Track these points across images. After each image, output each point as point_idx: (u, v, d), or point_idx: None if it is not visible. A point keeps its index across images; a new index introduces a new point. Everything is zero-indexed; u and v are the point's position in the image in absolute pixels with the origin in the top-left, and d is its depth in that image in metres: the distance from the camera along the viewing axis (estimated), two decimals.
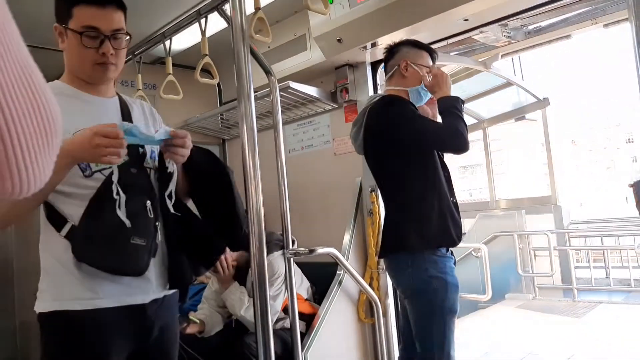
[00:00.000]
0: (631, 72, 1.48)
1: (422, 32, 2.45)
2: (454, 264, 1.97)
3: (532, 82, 6.94)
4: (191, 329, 2.36)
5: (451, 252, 1.99)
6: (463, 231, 2.19)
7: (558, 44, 4.58)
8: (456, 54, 4.59)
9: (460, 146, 1.87)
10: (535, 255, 6.72)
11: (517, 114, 7.91)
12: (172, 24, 2.43)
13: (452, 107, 1.92)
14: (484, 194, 8.43)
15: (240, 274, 2.36)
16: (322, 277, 2.58)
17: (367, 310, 2.62)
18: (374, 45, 2.64)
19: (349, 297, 2.58)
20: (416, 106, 2.05)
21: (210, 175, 1.41)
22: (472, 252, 6.13)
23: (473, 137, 7.84)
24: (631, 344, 3.94)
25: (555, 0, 2.28)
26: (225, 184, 1.41)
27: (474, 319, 5.29)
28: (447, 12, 2.21)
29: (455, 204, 1.98)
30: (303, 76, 2.88)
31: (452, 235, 1.93)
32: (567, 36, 4.30)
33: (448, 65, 4.40)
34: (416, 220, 1.92)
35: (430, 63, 2.08)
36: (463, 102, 1.97)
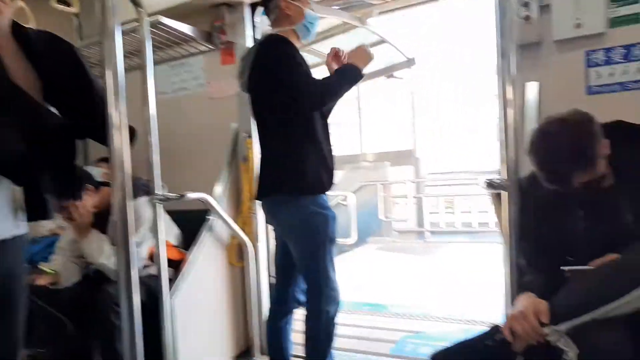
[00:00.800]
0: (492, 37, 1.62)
1: None
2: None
3: (403, 41, 7.27)
4: (43, 280, 2.16)
5: None
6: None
7: (428, 6, 4.86)
8: (335, 8, 4.62)
9: (316, 105, 1.91)
10: (394, 203, 7.32)
11: (388, 71, 8.29)
12: None
13: (349, 72, 1.97)
14: (353, 147, 8.86)
15: (101, 221, 2.19)
16: (194, 223, 2.51)
17: (237, 254, 2.63)
18: None
19: (219, 242, 2.57)
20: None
21: (56, 59, 1.25)
22: (340, 201, 6.46)
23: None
24: (472, 274, 4.55)
25: None
26: (75, 66, 1.26)
27: (341, 261, 5.65)
28: None
29: (330, 152, 2.03)
30: (176, 13, 2.64)
31: (323, 181, 1.99)
32: None
33: (327, 18, 4.42)
34: (293, 162, 1.95)
35: None
36: (362, 77, 2.01)
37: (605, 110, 1.47)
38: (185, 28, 2.65)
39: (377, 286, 4.44)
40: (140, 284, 1.42)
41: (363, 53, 2.04)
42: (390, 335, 2.97)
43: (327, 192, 2.02)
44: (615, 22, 1.80)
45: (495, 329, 1.34)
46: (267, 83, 1.93)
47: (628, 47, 1.79)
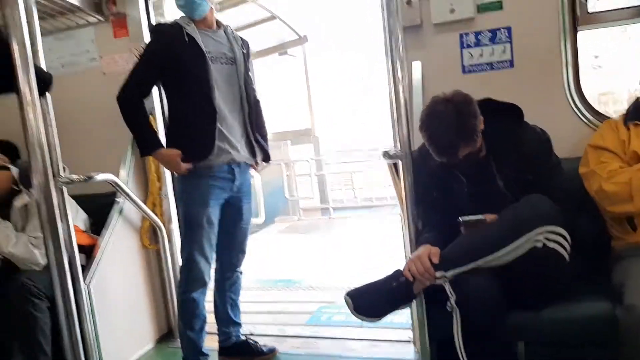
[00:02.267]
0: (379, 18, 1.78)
1: None
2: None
3: (294, 18, 7.35)
4: None
5: (234, 169, 2.15)
6: None
7: None
8: None
9: (119, 102, 2.14)
10: (298, 182, 7.52)
11: (280, 49, 8.34)
12: None
13: (141, 143, 2.16)
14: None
15: (0, 207, 2.08)
16: (100, 207, 2.45)
17: (151, 237, 2.63)
18: None
19: (131, 225, 2.54)
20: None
21: None
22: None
23: None
24: (374, 246, 4.88)
25: None
26: None
27: (251, 240, 5.72)
28: None
29: (209, 124, 2.07)
30: None
31: (189, 151, 2.06)
32: None
33: None
34: (167, 134, 2.17)
35: None
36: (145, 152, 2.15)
37: (477, 87, 1.72)
38: None
39: (289, 263, 4.60)
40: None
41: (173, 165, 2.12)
42: (306, 307, 3.11)
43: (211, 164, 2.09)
44: (482, 8, 2.08)
45: (398, 272, 1.57)
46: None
47: (494, 31, 2.08)
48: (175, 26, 2.06)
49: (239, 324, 2.41)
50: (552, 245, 1.43)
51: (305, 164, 7.39)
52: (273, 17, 6.37)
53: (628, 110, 1.74)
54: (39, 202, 1.30)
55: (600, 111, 2.05)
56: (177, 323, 2.29)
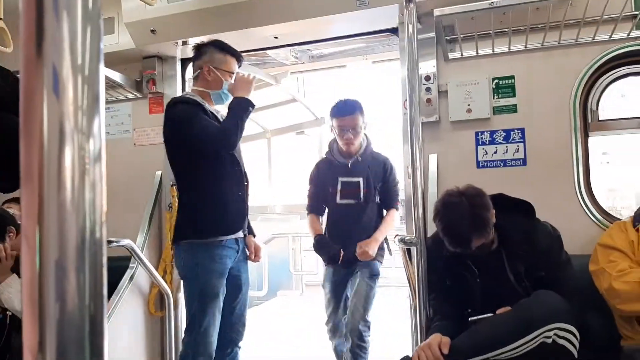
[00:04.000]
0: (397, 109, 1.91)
1: (234, 39, 2.62)
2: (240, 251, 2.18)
3: (313, 101, 7.71)
4: None
5: (238, 240, 2.17)
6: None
7: (337, 70, 5.30)
8: (249, 64, 4.87)
9: (224, 146, 2.06)
10: (302, 257, 7.48)
11: (298, 128, 8.66)
12: None
13: (238, 106, 2.09)
14: (263, 199, 9.00)
15: (17, 265, 2.11)
16: (112, 270, 2.47)
17: (157, 304, 2.62)
18: (185, 43, 2.69)
19: (139, 291, 2.55)
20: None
21: None
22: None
23: (258, 145, 8.30)
24: (377, 327, 4.74)
25: (347, 36, 2.71)
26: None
27: (252, 313, 5.60)
28: (262, 27, 2.43)
29: (242, 198, 2.16)
30: (106, 59, 2.68)
31: (230, 225, 2.10)
32: (343, 66, 5.01)
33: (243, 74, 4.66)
34: (189, 211, 2.10)
35: (235, 68, 2.21)
36: (253, 106, 2.15)
37: (491, 182, 1.80)
38: (116, 76, 2.73)
39: (290, 337, 4.49)
40: None
41: (241, 82, 2.15)
42: None
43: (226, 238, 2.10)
44: (497, 110, 2.22)
45: (406, 358, 1.56)
46: (170, 139, 2.11)
47: (508, 131, 2.20)
48: (194, 102, 2.11)
49: None
50: (561, 342, 1.44)
51: (312, 239, 7.39)
52: (294, 100, 6.67)
53: (636, 214, 1.79)
54: None
55: (607, 209, 2.13)
56: None
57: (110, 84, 2.77)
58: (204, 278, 2.05)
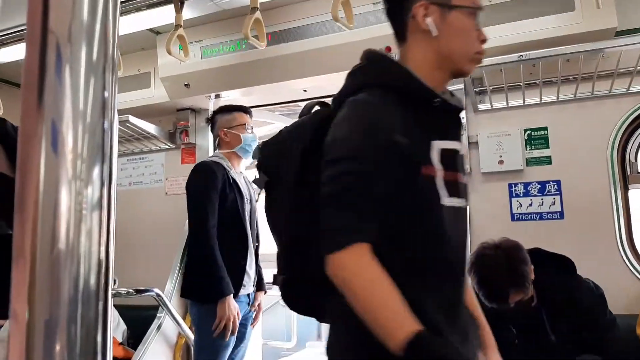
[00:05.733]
0: None
1: (264, 93, 2.72)
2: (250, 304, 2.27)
3: None
4: None
5: (249, 295, 2.26)
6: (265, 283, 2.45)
7: None
8: (280, 115, 4.99)
9: (198, 238, 2.16)
10: None
11: None
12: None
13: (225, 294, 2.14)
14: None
15: None
16: (140, 319, 2.47)
17: (184, 355, 2.57)
18: (217, 96, 2.79)
19: (166, 341, 2.51)
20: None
21: None
22: (280, 301, 6.34)
23: None
24: None
25: None
26: None
27: None
28: (292, 81, 2.50)
29: (243, 266, 2.21)
30: (141, 111, 2.84)
31: (214, 290, 2.11)
32: None
33: (274, 123, 4.78)
34: (192, 272, 2.22)
35: (246, 119, 2.34)
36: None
37: (526, 236, 1.73)
38: (150, 127, 2.83)
39: None
40: None
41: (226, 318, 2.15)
42: None
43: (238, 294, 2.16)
44: (531, 161, 2.17)
45: None
46: (187, 200, 2.25)
47: (543, 183, 2.13)
48: (220, 167, 2.24)
49: None
50: None
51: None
52: None
53: None
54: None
55: None
56: None
57: (145, 135, 2.88)
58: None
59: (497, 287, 1.53)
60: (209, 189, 2.17)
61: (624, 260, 1.98)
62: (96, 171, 0.29)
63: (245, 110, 2.37)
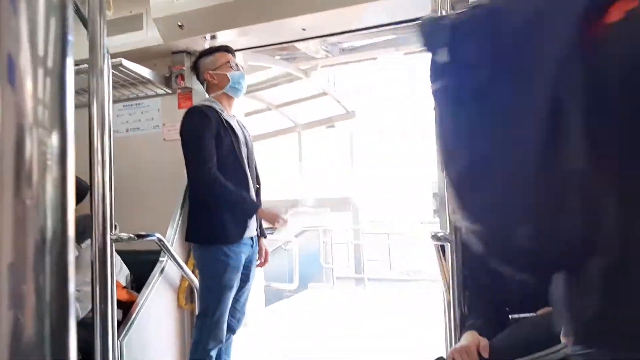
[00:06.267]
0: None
1: (262, 32, 2.61)
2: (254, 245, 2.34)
3: (343, 94, 7.68)
4: None
5: (253, 238, 2.33)
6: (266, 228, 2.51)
7: (368, 63, 5.22)
8: (279, 59, 4.85)
9: (202, 176, 2.19)
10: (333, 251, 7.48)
11: (328, 122, 8.65)
12: None
13: (245, 210, 2.24)
14: (293, 193, 9.07)
15: None
16: (143, 264, 2.51)
17: (187, 297, 2.64)
18: (213, 37, 2.68)
19: (169, 284, 2.57)
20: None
21: None
22: (282, 246, 6.51)
23: (288, 139, 8.33)
24: (409, 323, 4.72)
25: (378, 26, 2.62)
26: None
27: (282, 306, 5.67)
28: (289, 19, 2.39)
29: (242, 200, 2.24)
30: (135, 55, 2.73)
31: (228, 234, 2.20)
32: (374, 58, 4.92)
33: (272, 68, 4.64)
34: (196, 214, 2.26)
35: (228, 56, 2.32)
36: (250, 216, 2.27)
37: None
38: (145, 72, 2.74)
39: (317, 333, 4.49)
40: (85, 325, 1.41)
41: (274, 218, 2.29)
42: None
43: (233, 242, 2.22)
44: None
45: (439, 359, 1.49)
46: (182, 144, 2.26)
47: None
48: (212, 110, 2.24)
49: None
50: None
51: (343, 232, 7.38)
52: (324, 94, 6.64)
53: None
54: (92, 257, 1.36)
55: None
56: None
57: (140, 80, 2.79)
58: (221, 272, 2.19)
59: None
60: (203, 132, 2.16)
61: None
62: (59, 118, 0.26)
63: (227, 49, 2.34)
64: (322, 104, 7.33)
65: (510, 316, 1.51)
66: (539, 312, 1.49)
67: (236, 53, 2.46)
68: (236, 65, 2.33)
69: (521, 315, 1.50)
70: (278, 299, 5.95)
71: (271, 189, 7.79)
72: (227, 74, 2.28)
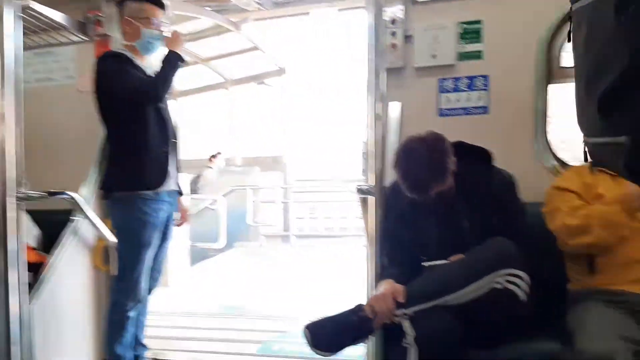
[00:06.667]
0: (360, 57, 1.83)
1: None
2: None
3: (275, 50, 7.46)
4: None
5: (171, 193, 2.26)
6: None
7: (301, 18, 5.10)
8: (209, 10, 4.60)
9: (150, 98, 2.12)
10: (262, 208, 7.47)
11: (259, 78, 8.44)
12: None
13: (167, 61, 2.13)
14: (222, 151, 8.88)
15: None
16: (55, 224, 2.34)
17: (103, 257, 2.51)
18: None
19: (84, 245, 2.43)
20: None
21: None
22: (209, 205, 6.40)
23: (217, 95, 8.04)
24: (334, 276, 4.86)
25: None
26: None
27: (209, 264, 5.62)
28: None
29: (165, 155, 2.19)
30: None
31: (149, 180, 2.15)
32: (307, 13, 4.82)
33: (201, 19, 4.40)
34: (113, 164, 2.20)
35: (156, 12, 2.18)
36: (182, 60, 2.17)
37: (452, 130, 1.76)
38: (57, 16, 2.49)
39: (244, 289, 4.51)
40: None
41: (177, 39, 2.19)
42: (257, 336, 3.03)
43: (159, 190, 2.18)
44: (463, 56, 2.15)
45: (359, 307, 1.57)
46: (99, 91, 2.15)
47: (471, 78, 2.14)
48: (124, 56, 2.16)
49: (145, 346, 2.43)
50: (511, 287, 1.47)
51: (271, 190, 7.36)
52: (255, 48, 6.40)
53: (593, 162, 1.80)
54: None
55: (564, 160, 2.12)
56: (106, 341, 2.25)
57: (52, 26, 2.54)
58: (140, 230, 2.13)
59: (419, 179, 1.59)
60: (118, 72, 2.08)
61: (539, 154, 2.10)
62: None
63: (158, 3, 2.19)
64: (253, 59, 7.10)
65: (423, 264, 1.60)
66: (451, 258, 1.59)
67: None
68: (159, 24, 2.18)
69: (433, 262, 1.59)
70: (203, 259, 5.90)
71: (199, 147, 7.57)
72: (143, 29, 2.15)
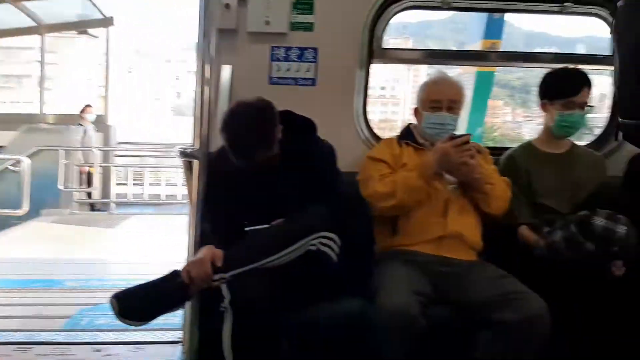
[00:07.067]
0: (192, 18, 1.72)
1: None
2: None
3: None
4: None
5: None
6: None
7: None
8: None
9: None
10: (90, 174, 6.78)
11: (81, 26, 7.53)
12: None
13: None
14: (32, 107, 7.75)
15: None
16: None
17: None
18: None
19: None
20: None
21: None
22: (10, 166, 5.57)
23: (26, 42, 6.94)
24: (154, 245, 4.65)
25: None
26: None
27: (9, 235, 4.94)
28: None
29: None
30: None
31: None
32: None
33: None
34: None
35: None
36: None
37: (281, 99, 1.78)
38: None
39: (50, 261, 4.07)
40: None
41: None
42: (65, 310, 2.84)
43: None
44: (295, 26, 2.17)
45: (174, 272, 1.52)
46: None
47: (302, 50, 2.18)
48: None
49: None
50: (324, 248, 1.58)
51: (89, 153, 6.67)
52: None
53: (401, 133, 2.04)
54: None
55: (379, 135, 2.33)
56: None
57: None
58: None
59: (245, 144, 1.59)
60: None
61: (357, 128, 2.27)
62: None
63: None
64: (75, 4, 6.26)
65: (246, 229, 1.61)
66: (273, 223, 1.63)
67: None
68: None
69: (254, 227, 1.62)
70: (4, 228, 5.17)
71: (5, 99, 6.54)
72: None
